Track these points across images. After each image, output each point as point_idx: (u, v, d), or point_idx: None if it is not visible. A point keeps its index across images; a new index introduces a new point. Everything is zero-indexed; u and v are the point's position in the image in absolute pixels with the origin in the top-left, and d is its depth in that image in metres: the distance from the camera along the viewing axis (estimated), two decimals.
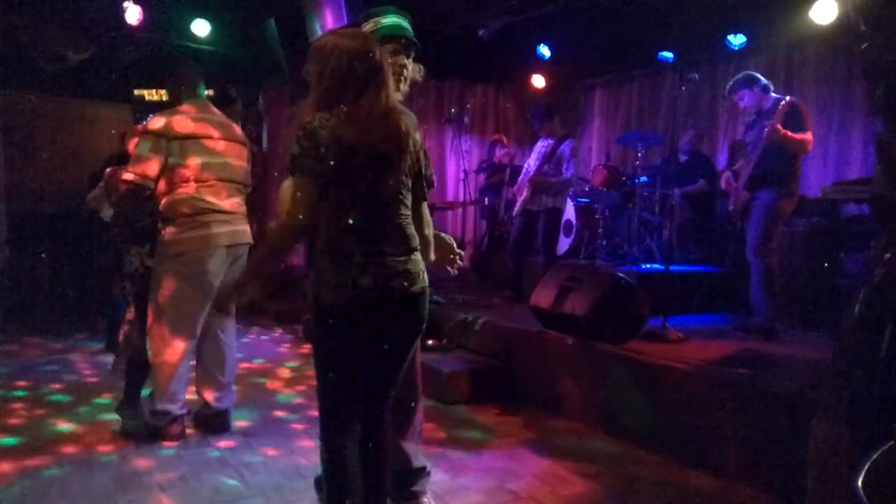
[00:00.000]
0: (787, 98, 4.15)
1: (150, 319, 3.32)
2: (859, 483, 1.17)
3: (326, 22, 5.24)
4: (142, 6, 5.94)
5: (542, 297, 4.19)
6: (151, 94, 7.54)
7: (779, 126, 4.01)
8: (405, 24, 2.48)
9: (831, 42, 5.70)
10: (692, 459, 3.19)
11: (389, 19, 2.45)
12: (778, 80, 5.95)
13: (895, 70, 1.59)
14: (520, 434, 3.63)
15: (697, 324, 4.62)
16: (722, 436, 3.09)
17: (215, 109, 3.47)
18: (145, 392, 3.50)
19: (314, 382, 4.97)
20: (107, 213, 5.21)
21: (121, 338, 4.09)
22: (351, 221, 1.92)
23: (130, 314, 3.65)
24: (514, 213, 5.73)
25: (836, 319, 1.84)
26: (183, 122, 3.25)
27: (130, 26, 6.02)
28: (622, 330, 3.87)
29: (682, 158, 6.31)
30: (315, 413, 3.81)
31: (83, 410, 3.85)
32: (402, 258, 1.98)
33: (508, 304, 5.50)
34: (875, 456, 1.22)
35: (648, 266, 5.60)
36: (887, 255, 1.55)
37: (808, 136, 4.13)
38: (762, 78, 4.36)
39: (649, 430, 3.43)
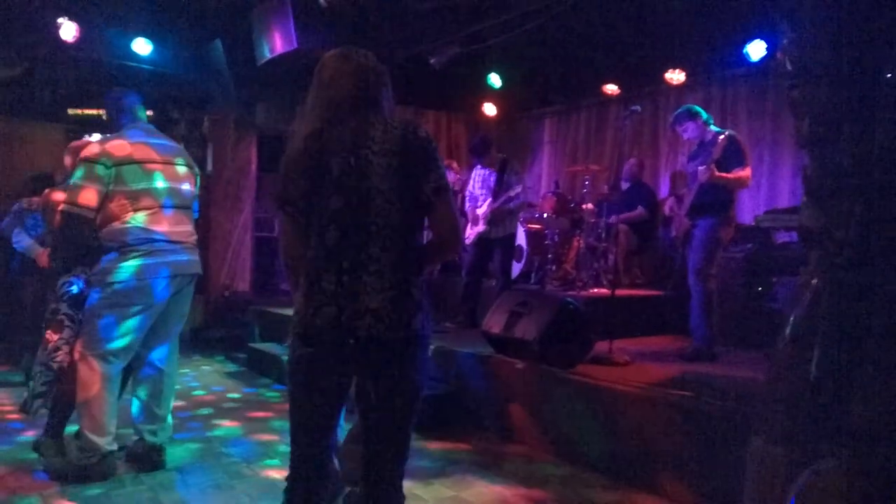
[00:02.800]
0: (727, 132, 4.33)
1: (79, 349, 3.16)
2: (792, 501, 1.21)
3: (275, 44, 5.22)
4: (78, 23, 5.74)
5: (494, 322, 4.22)
6: (88, 114, 7.31)
7: (713, 169, 4.17)
8: None
9: (762, 79, 6.01)
10: (640, 481, 3.24)
11: None
12: (713, 114, 6.21)
13: (819, 107, 1.69)
14: (470, 460, 3.61)
15: (642, 346, 4.72)
16: (667, 456, 3.16)
17: (158, 132, 3.37)
18: (71, 428, 3.29)
19: (258, 413, 4.84)
20: (22, 242, 4.99)
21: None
22: (315, 246, 1.75)
23: (50, 340, 3.36)
24: (468, 243, 5.78)
25: (770, 341, 1.92)
26: (121, 146, 3.13)
27: (66, 43, 5.82)
28: (571, 354, 3.92)
29: (625, 186, 6.51)
30: (258, 444, 3.75)
31: (2, 449, 3.59)
32: (376, 290, 1.69)
33: (460, 330, 5.51)
34: (806, 474, 1.27)
35: (595, 291, 5.72)
36: (814, 281, 1.63)
37: (746, 171, 4.27)
38: (703, 111, 4.56)
39: (598, 453, 3.47)
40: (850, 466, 1.33)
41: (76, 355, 3.17)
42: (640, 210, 6.23)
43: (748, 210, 5.94)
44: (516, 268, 6.33)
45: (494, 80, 7.29)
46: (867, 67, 1.48)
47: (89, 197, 3.04)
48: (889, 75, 1.44)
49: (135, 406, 3.36)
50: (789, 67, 1.68)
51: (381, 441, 1.82)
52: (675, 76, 6.38)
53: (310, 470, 1.86)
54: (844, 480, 1.32)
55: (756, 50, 5.47)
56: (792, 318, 1.68)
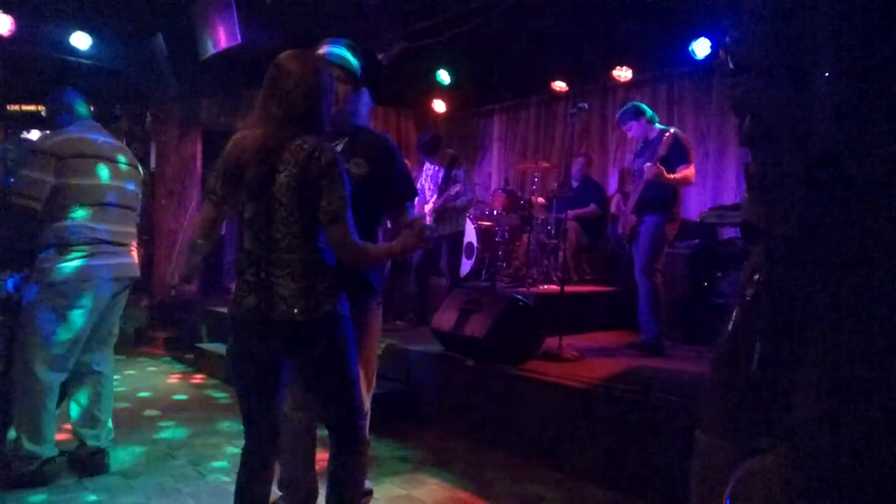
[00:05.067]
0: (672, 130, 4.41)
1: (16, 352, 3.05)
2: (727, 495, 1.22)
3: (219, 38, 5.08)
4: (13, 16, 5.52)
5: (444, 320, 4.20)
6: (27, 110, 7.02)
7: (660, 167, 4.25)
8: (348, 55, 2.44)
9: (707, 77, 6.15)
10: (590, 475, 3.27)
11: (335, 48, 2.44)
12: (660, 111, 6.34)
13: (760, 106, 1.72)
14: (421, 458, 3.59)
15: (591, 342, 4.79)
16: (616, 450, 3.20)
17: (101, 129, 3.30)
18: (10, 434, 3.18)
19: (205, 415, 4.73)
20: None
21: None
22: (242, 240, 1.97)
23: None
24: None
25: (716, 336, 1.94)
26: (65, 141, 3.06)
27: (1, 37, 5.59)
28: (521, 350, 3.94)
29: (574, 184, 6.57)
30: (205, 447, 3.65)
31: None
32: (287, 283, 1.92)
33: (411, 328, 5.48)
34: (743, 468, 1.28)
35: (545, 287, 5.76)
36: (757, 276, 1.65)
37: (690, 170, 4.37)
38: (648, 109, 4.63)
39: (548, 448, 3.49)
40: (789, 462, 1.35)
41: (14, 360, 3.05)
42: (592, 207, 6.31)
43: (693, 206, 6.07)
44: (467, 265, 6.33)
45: (443, 76, 7.27)
46: (806, 66, 1.51)
47: (36, 189, 2.96)
48: (827, 74, 1.47)
49: (74, 411, 3.27)
50: (731, 66, 1.70)
51: (324, 408, 2.12)
52: (623, 73, 6.47)
53: (262, 436, 2.07)
54: (782, 476, 1.34)
55: (701, 48, 5.59)
56: (734, 314, 1.70)
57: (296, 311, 1.91)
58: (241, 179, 1.93)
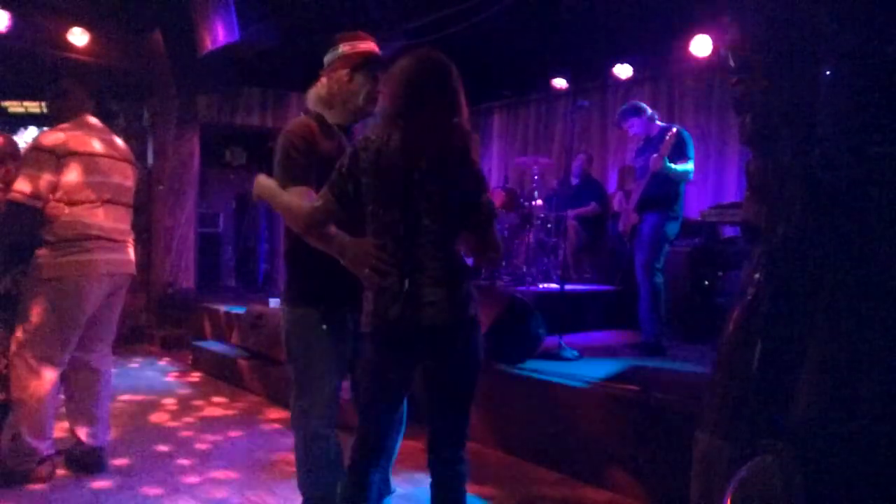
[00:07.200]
0: (675, 128, 4.39)
1: (13, 347, 3.05)
2: (728, 496, 1.21)
3: (217, 35, 5.06)
4: (10, 11, 5.49)
5: None
6: (26, 107, 7.01)
7: (665, 158, 4.23)
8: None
9: (708, 75, 6.12)
10: (589, 476, 3.26)
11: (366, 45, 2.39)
12: (661, 109, 6.32)
13: (761, 105, 1.70)
14: (420, 458, 3.55)
15: (591, 341, 4.77)
16: (616, 451, 3.18)
17: (99, 125, 3.29)
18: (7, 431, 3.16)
19: (204, 413, 4.70)
20: None
21: None
22: (386, 246, 1.86)
23: None
24: None
25: (717, 335, 1.93)
26: (73, 139, 3.08)
27: None
28: (520, 349, 3.92)
29: (574, 182, 6.56)
30: (203, 446, 3.64)
31: None
32: (436, 287, 1.85)
33: None
34: (743, 470, 1.27)
35: (545, 286, 5.74)
36: (757, 276, 1.64)
37: (690, 165, 4.37)
38: (648, 108, 4.61)
39: (547, 448, 3.48)
40: (788, 463, 1.34)
41: (11, 355, 3.05)
42: (592, 205, 6.30)
43: (694, 204, 6.05)
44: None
45: None
46: (808, 65, 1.49)
47: (41, 185, 2.96)
48: (828, 73, 1.45)
49: (72, 409, 3.26)
50: (732, 64, 1.69)
51: (448, 416, 2.10)
52: (623, 70, 6.45)
53: (375, 447, 2.14)
54: (782, 478, 1.33)
55: (702, 45, 5.57)
56: (735, 313, 1.69)
57: (445, 316, 1.86)
58: (383, 182, 1.83)
